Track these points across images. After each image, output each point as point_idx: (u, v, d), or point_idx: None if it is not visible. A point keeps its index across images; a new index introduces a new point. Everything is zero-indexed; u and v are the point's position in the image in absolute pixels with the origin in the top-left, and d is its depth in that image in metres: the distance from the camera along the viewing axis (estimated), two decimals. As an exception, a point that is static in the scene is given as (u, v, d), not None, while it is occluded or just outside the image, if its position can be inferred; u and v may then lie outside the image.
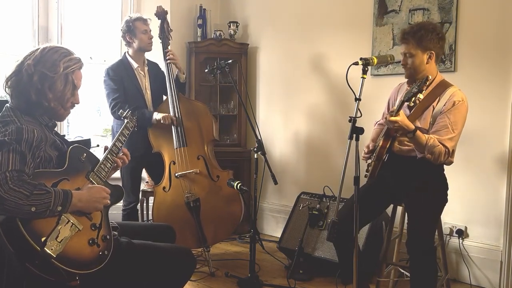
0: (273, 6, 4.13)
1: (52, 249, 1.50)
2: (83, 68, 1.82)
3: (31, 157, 1.56)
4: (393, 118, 2.15)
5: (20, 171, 1.50)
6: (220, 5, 4.55)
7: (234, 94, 4.29)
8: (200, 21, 4.26)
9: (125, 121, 2.21)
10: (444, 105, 2.29)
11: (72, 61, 1.75)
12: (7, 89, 1.71)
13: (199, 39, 4.25)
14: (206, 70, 3.43)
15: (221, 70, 3.24)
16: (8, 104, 1.72)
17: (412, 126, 2.19)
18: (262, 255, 3.43)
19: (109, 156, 1.94)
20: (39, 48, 1.73)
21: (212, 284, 2.99)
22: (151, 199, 3.73)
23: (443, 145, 2.23)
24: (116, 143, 2.01)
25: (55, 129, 1.86)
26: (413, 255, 2.22)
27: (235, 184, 2.82)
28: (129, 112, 2.29)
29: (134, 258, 1.82)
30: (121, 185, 1.97)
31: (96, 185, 1.78)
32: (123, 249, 1.79)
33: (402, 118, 2.17)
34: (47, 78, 1.69)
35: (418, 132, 2.20)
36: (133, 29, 3.20)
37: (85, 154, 1.81)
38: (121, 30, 3.24)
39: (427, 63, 2.34)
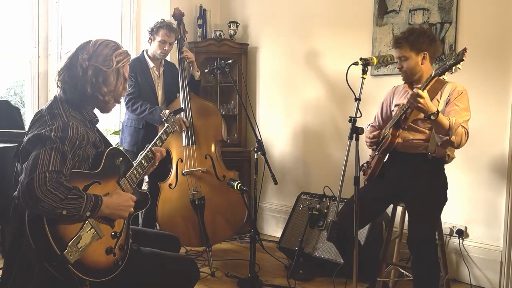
0: (273, 6, 4.13)
1: (71, 255, 1.50)
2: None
3: (71, 157, 1.57)
4: (421, 92, 2.12)
5: (59, 172, 1.51)
6: (220, 5, 4.55)
7: (234, 94, 4.28)
8: (200, 21, 4.26)
9: (165, 125, 2.19)
10: (448, 96, 2.34)
11: (122, 55, 1.78)
12: (59, 82, 1.72)
13: (199, 39, 4.25)
14: (206, 70, 3.45)
15: (221, 70, 3.26)
16: (57, 95, 1.73)
17: (434, 108, 2.16)
18: (262, 255, 3.43)
19: (143, 161, 1.93)
20: (90, 41, 1.75)
21: (212, 284, 2.99)
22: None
23: (462, 126, 2.25)
24: (153, 149, 2.00)
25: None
26: (414, 252, 2.21)
27: (235, 184, 2.82)
28: (172, 115, 2.28)
29: (141, 264, 1.82)
30: (147, 192, 1.96)
31: (125, 193, 1.77)
32: (132, 256, 1.79)
33: (427, 96, 2.15)
34: (101, 73, 1.71)
35: (441, 115, 2.18)
36: (154, 33, 3.29)
37: (121, 158, 1.80)
38: (149, 27, 3.34)
39: (422, 63, 2.40)
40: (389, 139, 2.37)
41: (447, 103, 2.34)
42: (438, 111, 2.16)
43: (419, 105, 2.14)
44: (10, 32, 3.48)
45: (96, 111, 1.85)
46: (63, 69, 1.71)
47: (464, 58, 2.01)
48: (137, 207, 1.81)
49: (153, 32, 3.29)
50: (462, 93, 2.34)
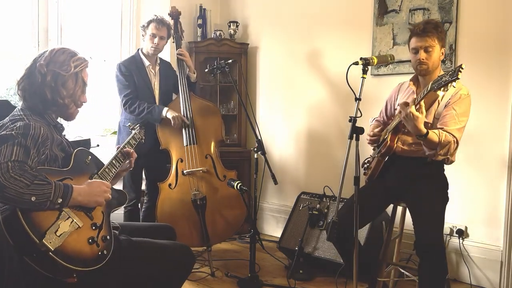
0: (273, 6, 4.13)
1: (50, 242, 1.50)
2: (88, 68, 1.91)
3: (35, 152, 1.60)
4: (416, 114, 2.10)
5: (22, 162, 1.53)
6: (220, 5, 4.55)
7: (234, 94, 4.28)
8: (200, 21, 4.26)
9: (133, 132, 2.24)
10: (449, 98, 2.28)
11: (80, 60, 1.84)
12: (19, 91, 1.77)
13: (199, 39, 4.25)
14: (206, 70, 3.44)
15: (221, 70, 3.25)
16: (18, 107, 1.78)
17: (424, 130, 2.15)
18: (262, 255, 3.43)
19: (113, 161, 1.98)
20: (47, 50, 1.80)
21: (212, 284, 2.99)
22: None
23: (452, 135, 2.22)
24: (122, 151, 2.05)
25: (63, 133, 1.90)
26: (422, 255, 2.19)
27: (235, 184, 2.83)
28: (138, 125, 2.33)
29: (132, 255, 1.83)
30: (122, 187, 1.99)
31: (96, 180, 1.80)
32: (122, 247, 1.79)
33: (422, 118, 2.12)
34: (60, 77, 1.76)
35: (430, 133, 2.17)
36: (145, 28, 3.28)
37: (90, 157, 1.84)
38: (141, 24, 3.35)
39: (439, 58, 2.35)
40: (388, 144, 2.36)
41: (446, 105, 2.30)
42: (427, 133, 2.15)
43: (411, 126, 2.15)
44: (10, 32, 3.47)
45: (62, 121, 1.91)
46: (22, 78, 1.76)
47: (459, 77, 1.95)
48: (114, 203, 1.85)
49: (144, 27, 3.27)
50: (464, 96, 2.29)
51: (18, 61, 3.57)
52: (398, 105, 2.52)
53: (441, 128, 2.25)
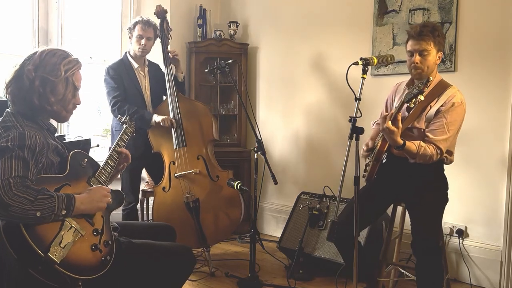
0: (273, 6, 4.14)
1: (55, 255, 1.49)
2: (82, 68, 1.82)
3: (33, 163, 1.57)
4: (392, 128, 2.13)
5: (23, 177, 1.50)
6: (220, 5, 4.55)
7: (234, 94, 4.29)
8: (200, 21, 4.26)
9: (124, 126, 2.21)
10: (442, 105, 2.27)
11: (72, 63, 1.74)
12: (7, 95, 1.71)
13: (199, 39, 4.25)
14: (206, 70, 3.44)
15: (221, 70, 3.24)
16: (8, 110, 1.71)
17: (400, 142, 2.17)
18: (262, 255, 3.44)
19: (109, 161, 1.95)
20: (37, 52, 1.72)
21: (212, 284, 2.99)
22: (151, 199, 3.73)
23: (437, 146, 2.22)
24: (116, 149, 2.02)
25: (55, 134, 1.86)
26: (419, 256, 2.21)
27: (235, 184, 2.82)
28: (128, 118, 2.29)
29: (134, 257, 1.83)
30: (121, 190, 1.97)
31: (94, 186, 1.78)
32: (123, 250, 1.79)
33: (398, 131, 2.14)
34: (49, 82, 1.68)
35: (408, 143, 2.19)
36: (132, 30, 3.24)
37: (86, 160, 1.81)
38: (127, 26, 3.32)
39: (436, 63, 2.34)
40: (377, 149, 2.37)
41: (437, 112, 2.27)
42: (404, 143, 2.18)
43: (388, 139, 2.20)
44: (10, 32, 3.47)
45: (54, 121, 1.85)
46: (10, 81, 1.69)
47: (424, 90, 2.03)
48: (113, 205, 1.83)
49: (131, 29, 3.24)
50: (457, 104, 2.25)
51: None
52: (395, 107, 2.52)
53: (427, 137, 2.26)
